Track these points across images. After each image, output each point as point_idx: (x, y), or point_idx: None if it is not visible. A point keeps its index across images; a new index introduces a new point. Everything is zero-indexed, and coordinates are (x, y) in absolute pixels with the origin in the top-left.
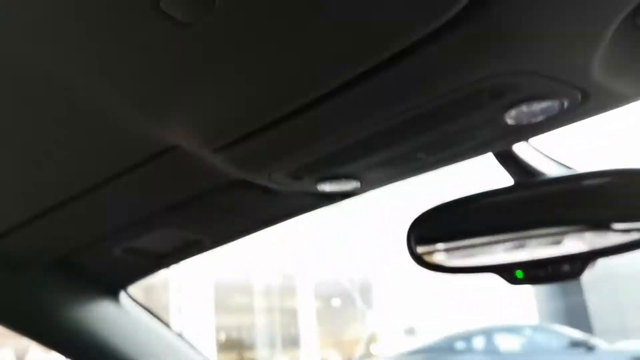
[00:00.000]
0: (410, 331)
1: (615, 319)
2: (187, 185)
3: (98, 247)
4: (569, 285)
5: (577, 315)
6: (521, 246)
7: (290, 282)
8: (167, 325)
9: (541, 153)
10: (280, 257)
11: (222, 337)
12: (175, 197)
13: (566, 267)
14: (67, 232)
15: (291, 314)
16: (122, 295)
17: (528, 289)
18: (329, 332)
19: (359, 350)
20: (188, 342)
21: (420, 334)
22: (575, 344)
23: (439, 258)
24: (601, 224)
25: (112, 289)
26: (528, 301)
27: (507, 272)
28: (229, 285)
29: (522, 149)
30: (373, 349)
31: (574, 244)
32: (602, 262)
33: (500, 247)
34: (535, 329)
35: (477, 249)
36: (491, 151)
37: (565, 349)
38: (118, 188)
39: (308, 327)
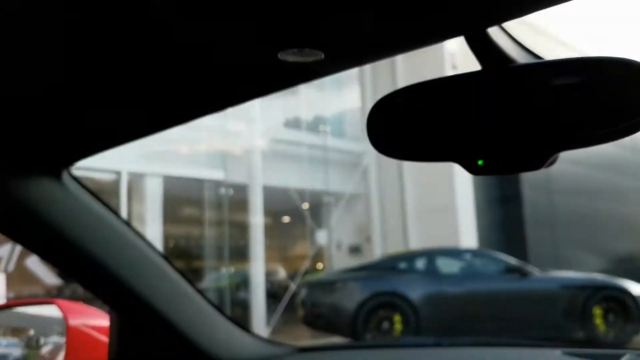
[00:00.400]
0: (355, 250)
1: (550, 251)
2: (142, 55)
3: (38, 120)
4: (511, 218)
5: (515, 246)
6: (485, 134)
7: (242, 196)
8: (114, 211)
9: (515, 41)
10: (232, 169)
11: (170, 245)
12: (128, 70)
13: (529, 158)
14: (3, 105)
15: (240, 228)
16: (65, 174)
17: (471, 218)
18: (276, 247)
19: (305, 265)
20: (135, 230)
21: (365, 253)
22: (510, 270)
23: (399, 142)
24: (569, 116)
25: (53, 167)
26: (469, 230)
27: (468, 159)
28: (178, 195)
29: (496, 34)
30: (318, 265)
31: (540, 135)
32: (543, 201)
33: (463, 134)
34: (474, 254)
35: (439, 135)
36: (465, 32)
37: (502, 274)
38: (64, 56)
39: (256, 242)
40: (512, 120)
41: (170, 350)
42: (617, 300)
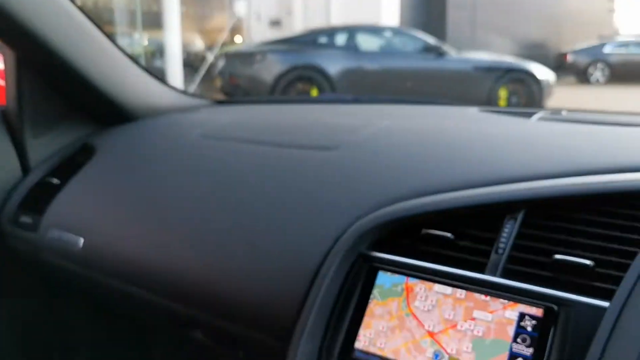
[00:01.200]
0: (275, 23)
1: (469, 33)
2: None
3: None
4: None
5: (435, 26)
6: None
7: None
8: None
9: None
10: None
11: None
12: None
13: None
14: None
15: None
16: None
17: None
18: (193, 17)
19: (222, 37)
20: None
21: (285, 27)
22: (428, 49)
23: None
24: None
25: None
26: (392, 8)
27: None
28: None
29: None
30: (236, 37)
31: None
32: None
33: None
34: (395, 32)
35: None
36: None
37: (419, 53)
38: None
39: (171, 9)
40: None
41: (79, 97)
42: (523, 82)
